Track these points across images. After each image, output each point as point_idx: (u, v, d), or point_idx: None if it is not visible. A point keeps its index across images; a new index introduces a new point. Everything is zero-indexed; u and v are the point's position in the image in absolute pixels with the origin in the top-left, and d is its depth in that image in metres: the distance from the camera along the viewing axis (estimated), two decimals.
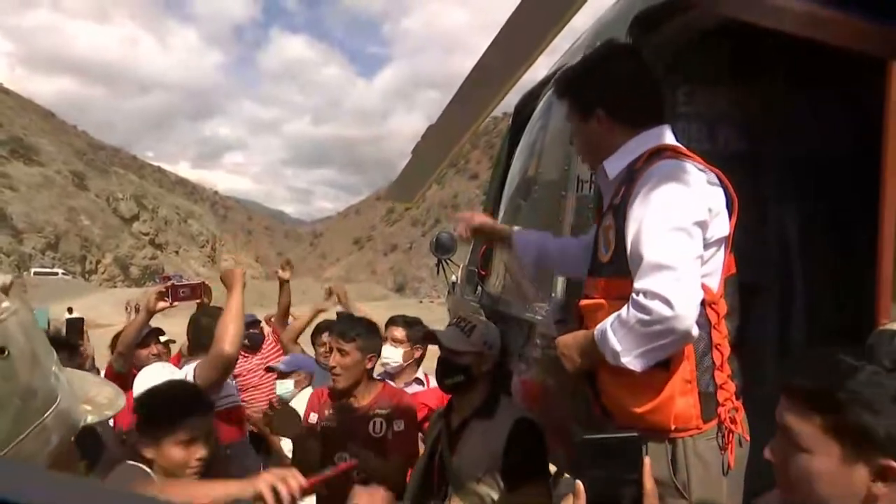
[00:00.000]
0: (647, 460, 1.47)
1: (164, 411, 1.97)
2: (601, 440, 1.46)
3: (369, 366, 2.82)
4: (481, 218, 2.29)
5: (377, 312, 3.98)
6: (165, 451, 1.91)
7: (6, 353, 0.73)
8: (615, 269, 1.65)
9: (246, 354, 4.46)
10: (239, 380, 4.29)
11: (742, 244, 1.69)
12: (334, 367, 2.65)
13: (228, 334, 2.46)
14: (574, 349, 1.69)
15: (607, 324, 1.57)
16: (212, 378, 2.46)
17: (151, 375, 2.46)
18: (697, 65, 2.55)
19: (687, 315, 1.47)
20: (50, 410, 0.78)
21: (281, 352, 4.59)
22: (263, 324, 5.03)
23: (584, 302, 1.76)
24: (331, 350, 2.70)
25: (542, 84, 3.43)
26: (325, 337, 3.89)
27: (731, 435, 1.64)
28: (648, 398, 1.60)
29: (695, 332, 1.51)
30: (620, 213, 1.64)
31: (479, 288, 3.74)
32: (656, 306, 1.47)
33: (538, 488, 2.12)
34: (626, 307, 1.53)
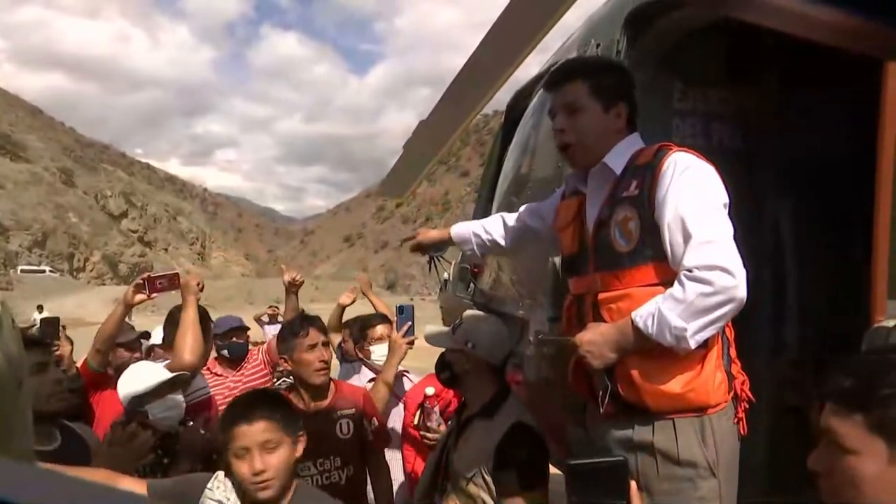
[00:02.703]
0: (633, 484, 1.47)
1: (229, 415, 1.85)
2: (589, 465, 1.45)
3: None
4: (424, 235, 2.50)
5: (368, 310, 3.97)
6: (227, 459, 1.82)
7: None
8: (641, 258, 1.68)
9: (220, 373, 3.58)
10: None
11: (736, 240, 1.69)
12: (328, 361, 2.62)
13: (186, 344, 2.54)
14: (604, 345, 1.67)
15: (657, 307, 1.58)
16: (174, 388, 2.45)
17: (137, 372, 2.42)
18: (690, 62, 2.54)
19: (744, 283, 1.54)
20: None
21: (267, 375, 3.70)
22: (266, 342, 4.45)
23: (604, 294, 1.74)
24: (313, 347, 2.61)
25: (534, 81, 3.42)
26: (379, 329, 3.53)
27: (742, 405, 1.73)
28: (689, 376, 1.64)
29: None
30: (643, 204, 1.68)
31: (472, 285, 3.73)
32: (717, 277, 1.53)
33: (531, 499, 2.04)
34: (677, 286, 1.57)
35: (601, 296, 1.75)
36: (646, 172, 1.70)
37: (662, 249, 1.64)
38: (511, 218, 2.32)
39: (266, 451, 1.76)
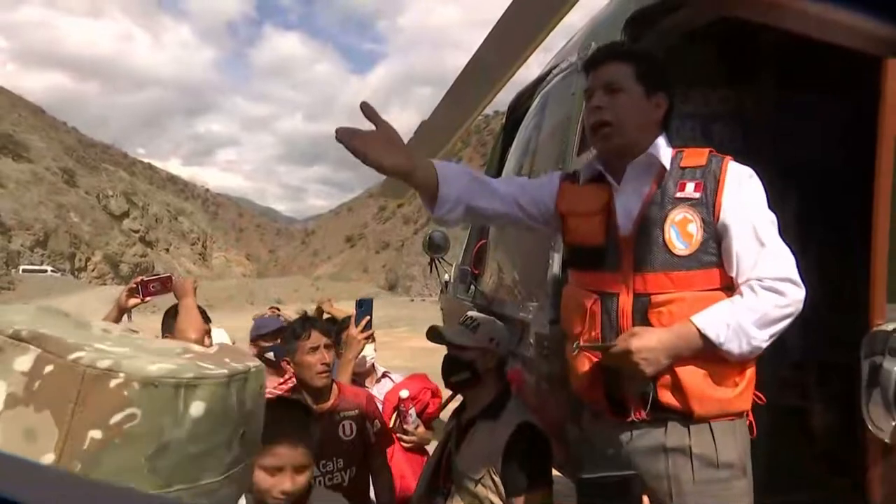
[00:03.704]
0: (645, 499, 1.46)
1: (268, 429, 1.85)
2: (601, 479, 1.44)
3: (346, 363, 2.84)
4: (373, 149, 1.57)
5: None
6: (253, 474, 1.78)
7: (261, 390, 0.80)
8: (699, 263, 1.65)
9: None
10: None
11: None
12: (329, 364, 2.59)
13: (190, 325, 2.49)
14: (661, 352, 1.60)
15: (734, 317, 1.57)
16: None
17: None
18: (691, 63, 2.55)
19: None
20: (257, 450, 0.85)
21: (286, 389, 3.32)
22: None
23: (658, 297, 1.66)
24: (315, 349, 2.61)
25: (536, 83, 3.42)
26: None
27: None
28: (737, 382, 1.65)
29: None
30: (706, 208, 1.66)
31: (473, 287, 3.74)
32: (790, 289, 1.58)
33: (538, 498, 2.06)
34: (750, 294, 1.59)
35: (656, 298, 1.67)
36: (706, 176, 1.68)
37: (722, 255, 1.65)
38: (501, 184, 1.94)
39: (298, 472, 1.80)
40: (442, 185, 1.71)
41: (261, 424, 0.84)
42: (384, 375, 3.58)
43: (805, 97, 2.62)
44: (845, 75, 2.23)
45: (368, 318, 2.93)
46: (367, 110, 1.60)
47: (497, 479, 2.07)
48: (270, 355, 3.48)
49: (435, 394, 3.46)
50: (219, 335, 4.18)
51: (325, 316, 4.20)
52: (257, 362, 0.80)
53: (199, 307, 2.91)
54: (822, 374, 2.69)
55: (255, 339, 3.72)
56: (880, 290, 1.50)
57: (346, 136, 1.56)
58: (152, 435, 0.66)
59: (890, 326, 1.44)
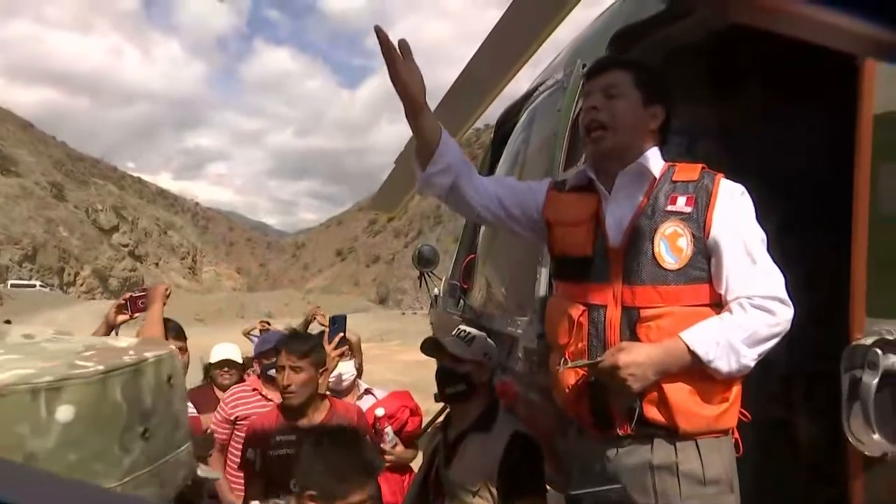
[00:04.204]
0: None
1: (344, 475, 1.86)
2: (590, 494, 1.44)
3: (320, 381, 2.80)
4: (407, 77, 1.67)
5: (361, 324, 3.96)
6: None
7: (171, 381, 0.78)
8: (687, 278, 1.64)
9: (270, 397, 3.28)
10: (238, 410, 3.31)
11: None
12: (289, 386, 2.58)
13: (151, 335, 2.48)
14: (649, 367, 1.59)
15: (724, 335, 1.57)
16: None
17: None
18: (675, 80, 2.57)
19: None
20: (186, 445, 0.83)
21: (255, 399, 3.39)
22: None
23: (647, 311, 1.65)
24: (281, 368, 2.58)
25: (523, 99, 3.45)
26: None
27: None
28: (721, 399, 1.65)
29: None
30: (697, 223, 1.65)
31: (462, 301, 3.75)
32: (779, 308, 1.58)
33: None
34: (740, 312, 1.58)
35: (644, 312, 1.65)
36: (697, 191, 1.67)
37: (711, 271, 1.64)
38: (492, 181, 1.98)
39: None
40: (442, 144, 1.78)
41: (179, 418, 0.80)
42: (367, 392, 3.57)
43: (789, 109, 2.65)
44: (829, 85, 2.24)
45: (342, 334, 2.93)
46: (403, 46, 1.67)
47: (493, 490, 2.08)
48: (272, 372, 3.45)
49: (414, 412, 3.43)
50: (230, 350, 4.16)
51: (319, 329, 4.19)
52: (161, 352, 0.75)
53: (174, 321, 2.89)
54: (808, 387, 2.70)
55: (257, 356, 3.68)
56: (859, 304, 1.51)
57: (384, 36, 1.64)
58: (11, 448, 0.61)
59: (869, 340, 1.46)
